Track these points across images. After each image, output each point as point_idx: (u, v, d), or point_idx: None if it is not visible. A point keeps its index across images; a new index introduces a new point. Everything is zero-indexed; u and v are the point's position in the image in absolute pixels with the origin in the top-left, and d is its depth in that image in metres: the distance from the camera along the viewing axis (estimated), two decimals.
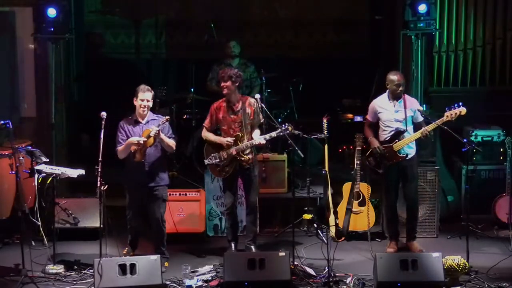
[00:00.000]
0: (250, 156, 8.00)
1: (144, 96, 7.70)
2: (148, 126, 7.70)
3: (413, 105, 8.10)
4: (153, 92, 7.79)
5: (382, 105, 8.14)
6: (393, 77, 8.04)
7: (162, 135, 7.63)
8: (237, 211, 8.33)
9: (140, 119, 7.78)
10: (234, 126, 8.01)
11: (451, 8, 10.20)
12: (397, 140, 8.01)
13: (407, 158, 8.05)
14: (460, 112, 7.77)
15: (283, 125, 7.82)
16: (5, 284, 7.41)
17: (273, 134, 7.84)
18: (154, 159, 7.73)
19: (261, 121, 8.13)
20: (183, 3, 12.11)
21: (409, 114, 8.04)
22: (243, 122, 7.95)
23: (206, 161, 8.09)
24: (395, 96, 8.05)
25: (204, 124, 8.20)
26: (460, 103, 7.79)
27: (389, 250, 8.16)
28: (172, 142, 7.78)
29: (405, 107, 8.03)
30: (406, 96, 8.17)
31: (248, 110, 7.99)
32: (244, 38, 11.60)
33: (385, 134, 8.13)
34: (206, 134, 8.10)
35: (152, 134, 7.53)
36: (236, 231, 8.31)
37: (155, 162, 7.74)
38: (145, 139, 7.58)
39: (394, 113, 8.07)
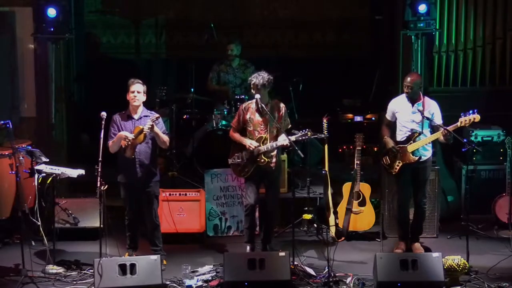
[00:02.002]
0: (274, 159, 7.99)
1: (134, 88, 7.71)
2: (140, 122, 7.72)
3: (431, 108, 8.04)
4: (144, 86, 7.77)
5: (400, 105, 8.10)
6: (406, 77, 8.04)
7: (157, 129, 7.64)
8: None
9: (133, 114, 7.78)
10: (259, 128, 8.00)
11: (451, 8, 10.20)
12: (411, 142, 7.99)
13: (422, 160, 8.00)
14: (475, 119, 7.76)
15: (304, 130, 7.84)
16: (5, 284, 7.41)
17: (293, 138, 7.83)
18: (145, 156, 7.75)
19: (289, 126, 8.12)
20: (183, 3, 12.11)
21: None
22: (269, 125, 7.95)
23: (230, 161, 8.10)
24: (408, 97, 8.04)
25: (231, 124, 8.24)
26: (475, 110, 7.78)
27: (397, 251, 8.12)
28: (166, 138, 7.81)
29: (423, 109, 8.00)
30: (426, 98, 8.13)
31: (276, 114, 8.00)
32: (244, 38, 11.60)
33: (400, 135, 8.08)
34: (234, 134, 8.11)
35: (145, 129, 7.54)
36: (253, 232, 8.28)
37: (146, 158, 7.75)
38: (133, 136, 7.60)
39: (411, 114, 8.03)
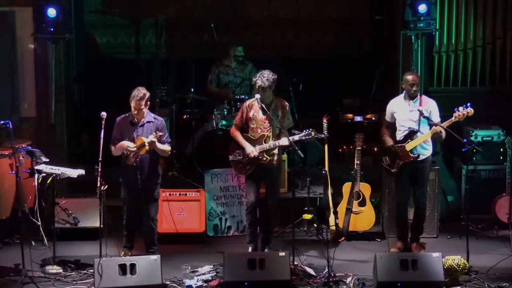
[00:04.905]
0: (275, 157, 7.98)
1: (136, 106, 7.65)
2: (143, 129, 7.70)
3: (428, 106, 8.05)
4: (146, 96, 7.66)
5: (397, 105, 8.12)
6: (408, 77, 8.03)
7: (159, 145, 7.63)
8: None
9: (136, 120, 7.77)
10: (263, 126, 8.00)
11: (451, 8, 10.20)
12: (409, 140, 7.99)
13: (421, 159, 7.99)
14: (468, 113, 7.75)
15: (306, 129, 7.84)
16: (5, 284, 7.41)
17: (296, 137, 7.83)
18: (147, 162, 7.74)
19: (291, 125, 8.12)
20: (183, 3, 12.11)
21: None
22: (272, 123, 7.94)
23: (231, 157, 8.09)
24: (410, 96, 8.04)
25: (234, 121, 8.22)
26: (468, 104, 7.77)
27: (392, 250, 8.13)
28: (167, 148, 7.80)
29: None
30: (423, 96, 8.14)
31: (279, 113, 7.99)
32: (244, 38, 11.60)
33: (399, 134, 8.10)
34: (235, 133, 8.09)
35: (146, 144, 7.51)
36: (256, 232, 8.21)
37: (148, 165, 7.75)
38: (135, 148, 7.58)
39: (409, 113, 8.02)
